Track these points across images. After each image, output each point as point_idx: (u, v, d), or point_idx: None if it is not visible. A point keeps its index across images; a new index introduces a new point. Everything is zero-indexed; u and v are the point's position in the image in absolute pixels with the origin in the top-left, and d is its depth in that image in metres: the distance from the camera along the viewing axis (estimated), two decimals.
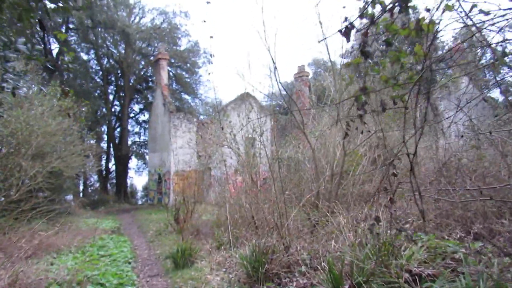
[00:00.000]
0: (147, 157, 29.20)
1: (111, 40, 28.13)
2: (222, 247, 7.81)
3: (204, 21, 10.31)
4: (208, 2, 8.24)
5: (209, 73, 33.29)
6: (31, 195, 8.73)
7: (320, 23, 8.89)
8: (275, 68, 8.16)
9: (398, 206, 7.51)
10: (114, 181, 32.93)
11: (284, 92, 10.29)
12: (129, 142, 32.76)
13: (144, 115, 34.20)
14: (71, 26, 24.27)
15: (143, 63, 30.68)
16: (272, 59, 8.07)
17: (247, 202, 9.01)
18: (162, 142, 21.88)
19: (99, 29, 24.10)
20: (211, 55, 28.25)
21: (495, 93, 27.13)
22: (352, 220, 6.22)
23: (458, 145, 8.99)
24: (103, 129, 31.59)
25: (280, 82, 8.37)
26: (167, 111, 21.06)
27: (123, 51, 29.28)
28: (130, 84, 29.64)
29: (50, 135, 9.88)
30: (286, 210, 6.99)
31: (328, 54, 9.78)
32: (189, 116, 21.51)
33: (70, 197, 25.65)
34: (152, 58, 26.50)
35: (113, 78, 32.88)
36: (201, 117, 28.20)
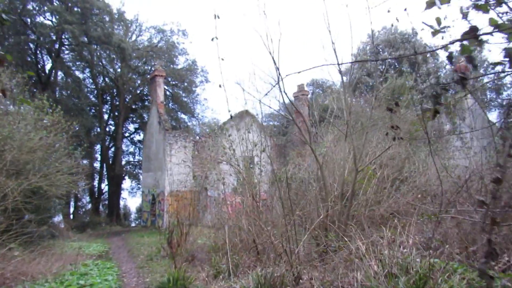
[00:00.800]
0: (141, 177, 28.23)
1: (107, 58, 27.61)
2: (221, 276, 6.89)
3: (213, 39, 9.63)
4: (215, 38, 7.45)
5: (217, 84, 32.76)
6: (7, 215, 7.82)
7: (333, 43, 8.24)
8: (279, 77, 7.43)
9: (417, 229, 6.70)
10: (106, 202, 31.84)
11: (287, 101, 9.58)
12: (123, 162, 31.86)
13: (139, 135, 33.43)
14: (65, 42, 23.70)
15: (139, 81, 30.09)
16: (276, 65, 7.36)
17: (247, 224, 8.14)
18: (156, 161, 21.03)
19: (94, 46, 23.54)
20: (220, 62, 27.62)
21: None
22: (372, 245, 5.37)
23: (480, 163, 8.24)
24: (96, 149, 30.73)
25: (285, 92, 7.63)
26: (163, 129, 20.29)
27: (119, 70, 28.77)
28: (126, 102, 28.96)
29: (32, 151, 9.04)
30: (296, 234, 6.13)
31: (340, 69, 9.11)
32: (185, 134, 20.74)
33: (58, 218, 24.60)
34: (148, 76, 25.93)
35: (108, 97, 32.25)
36: (197, 138, 27.51)
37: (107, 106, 32.67)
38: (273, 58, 7.14)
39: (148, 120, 23.79)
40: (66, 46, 24.72)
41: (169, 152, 19.63)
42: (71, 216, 27.37)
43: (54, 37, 22.43)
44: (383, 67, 34.25)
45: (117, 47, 20.47)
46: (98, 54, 27.48)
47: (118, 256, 11.94)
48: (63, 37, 22.11)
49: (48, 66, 25.86)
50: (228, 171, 10.96)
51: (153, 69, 25.15)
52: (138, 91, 31.40)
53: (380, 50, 32.93)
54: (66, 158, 11.74)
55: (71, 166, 11.59)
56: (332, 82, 35.21)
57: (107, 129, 32.09)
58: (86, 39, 20.83)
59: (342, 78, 8.43)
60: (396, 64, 30.67)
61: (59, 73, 25.34)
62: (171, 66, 29.49)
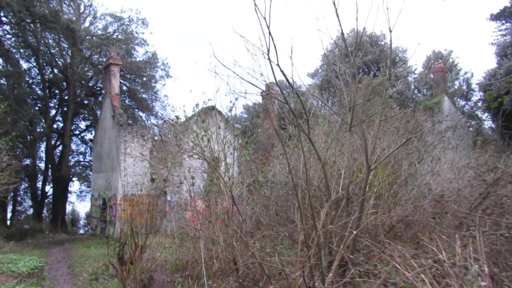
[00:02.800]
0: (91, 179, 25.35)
1: (54, 43, 24.65)
2: None
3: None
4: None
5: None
6: None
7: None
8: (273, 46, 5.60)
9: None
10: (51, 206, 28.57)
11: (280, 77, 7.82)
12: (72, 163, 28.80)
13: (91, 133, 30.39)
14: (3, 19, 20.66)
15: (91, 73, 27.31)
16: (268, 28, 5.54)
17: (225, 237, 6.24)
18: (109, 161, 18.56)
19: (38, 25, 20.66)
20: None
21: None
22: (422, 271, 3.65)
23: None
24: (40, 147, 27.52)
25: (278, 65, 5.82)
26: (117, 124, 17.90)
27: (69, 59, 25.90)
28: (76, 95, 26.06)
29: None
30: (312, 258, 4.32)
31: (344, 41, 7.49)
32: (142, 131, 18.44)
33: None
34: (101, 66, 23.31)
35: (56, 91, 29.13)
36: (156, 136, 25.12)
37: (55, 100, 29.53)
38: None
39: (100, 114, 21.20)
40: (6, 27, 21.64)
41: (123, 150, 17.27)
42: (8, 222, 24.09)
43: None
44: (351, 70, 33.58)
45: (66, 28, 17.90)
46: (45, 40, 24.50)
47: (54, 275, 9.60)
48: (1, 13, 19.17)
49: None
50: (195, 171, 8.98)
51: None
52: (91, 84, 28.56)
53: (350, 53, 32.00)
54: None
55: None
56: (300, 85, 34.04)
57: (55, 126, 28.94)
58: (28, 18, 18.05)
59: (353, 58, 6.75)
60: (364, 68, 29.89)
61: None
62: (129, 59, 26.98)
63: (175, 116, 7.45)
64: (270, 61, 5.68)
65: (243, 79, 6.16)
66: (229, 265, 5.95)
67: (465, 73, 28.34)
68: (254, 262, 5.49)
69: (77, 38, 19.54)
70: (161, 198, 17.33)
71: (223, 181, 6.30)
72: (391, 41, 6.01)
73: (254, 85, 6.19)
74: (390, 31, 5.48)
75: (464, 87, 27.18)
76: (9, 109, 19.68)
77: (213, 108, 16.34)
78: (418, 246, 5.64)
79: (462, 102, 28.50)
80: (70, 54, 25.11)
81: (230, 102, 7.06)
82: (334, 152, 7.08)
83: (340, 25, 5.94)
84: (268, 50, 5.62)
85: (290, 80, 6.27)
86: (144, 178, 17.38)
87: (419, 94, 29.25)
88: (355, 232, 4.65)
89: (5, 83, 21.70)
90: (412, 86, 29.11)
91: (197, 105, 6.89)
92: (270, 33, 5.46)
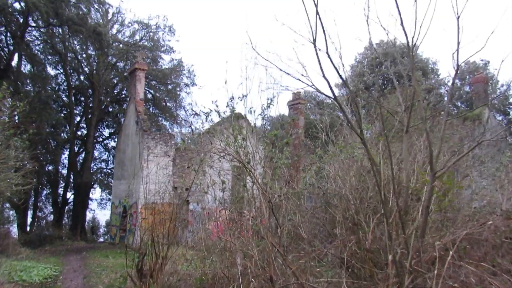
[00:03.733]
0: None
1: (80, 47, 24.57)
2: None
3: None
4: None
5: None
6: None
7: None
8: (322, 30, 4.81)
9: None
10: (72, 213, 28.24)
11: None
12: (94, 169, 28.54)
13: (114, 141, 30.16)
14: (32, 24, 20.65)
15: (116, 80, 27.16)
16: (316, 7, 4.75)
17: (259, 251, 5.37)
18: (131, 167, 18.02)
19: (66, 30, 20.53)
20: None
21: None
22: None
23: None
24: (63, 153, 27.33)
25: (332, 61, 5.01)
26: (140, 130, 17.39)
27: (95, 66, 25.83)
28: (100, 101, 25.86)
29: None
30: None
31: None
32: (166, 138, 17.87)
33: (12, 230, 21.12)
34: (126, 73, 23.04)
35: (82, 98, 29.11)
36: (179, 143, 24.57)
37: (80, 107, 29.50)
38: None
39: (124, 120, 20.81)
40: (34, 30, 21.63)
41: (146, 156, 16.69)
42: (28, 228, 23.80)
43: (21, 20, 19.44)
44: (381, 81, 32.37)
45: (93, 32, 17.66)
46: (73, 46, 24.48)
47: (68, 286, 8.89)
48: (29, 18, 19.11)
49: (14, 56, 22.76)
50: (225, 173, 8.16)
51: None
52: (116, 92, 28.42)
53: (378, 63, 31.05)
54: (3, 148, 8.75)
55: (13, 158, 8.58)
56: (324, 97, 33.14)
57: (79, 132, 28.83)
58: (56, 20, 17.88)
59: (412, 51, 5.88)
60: (395, 79, 28.77)
61: (27, 65, 22.38)
62: (154, 66, 26.73)
63: (208, 110, 6.63)
64: (316, 50, 4.90)
65: (285, 72, 5.38)
66: (266, 284, 5.07)
67: (502, 85, 26.90)
68: (297, 283, 4.60)
69: (103, 42, 19.31)
70: (183, 207, 16.62)
71: (259, 186, 5.46)
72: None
73: (300, 80, 5.39)
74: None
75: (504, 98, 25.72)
76: (33, 113, 19.53)
77: (241, 116, 15.62)
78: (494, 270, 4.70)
79: (499, 117, 27.00)
80: (96, 61, 25.00)
81: (268, 99, 6.25)
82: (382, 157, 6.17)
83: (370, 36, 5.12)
84: (315, 38, 4.85)
85: (341, 74, 5.40)
86: (167, 186, 16.72)
87: (453, 108, 27.93)
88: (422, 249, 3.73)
89: (31, 87, 21.62)
90: (445, 98, 27.80)
91: (231, 98, 6.11)
92: (318, 13, 4.68)
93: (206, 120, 6.61)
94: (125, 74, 24.85)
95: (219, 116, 6.36)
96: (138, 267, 8.15)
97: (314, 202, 7.95)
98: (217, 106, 6.30)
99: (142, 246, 8.36)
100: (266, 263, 5.27)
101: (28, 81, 21.58)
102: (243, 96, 6.19)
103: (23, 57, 21.59)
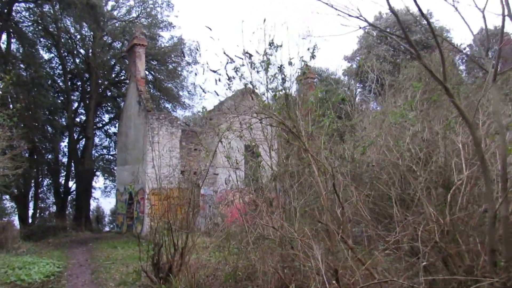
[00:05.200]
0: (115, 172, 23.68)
1: (75, 30, 23.15)
2: None
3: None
4: None
5: None
6: None
7: None
8: None
9: None
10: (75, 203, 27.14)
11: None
12: (95, 156, 27.33)
13: (115, 127, 28.81)
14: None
15: (114, 61, 25.72)
16: None
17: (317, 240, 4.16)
18: (135, 151, 16.79)
19: (57, 5, 19.01)
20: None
21: None
22: None
23: None
24: (63, 140, 26.07)
25: None
26: (143, 110, 16.09)
27: (91, 48, 24.33)
28: (98, 84, 24.48)
29: None
30: None
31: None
32: (171, 118, 16.59)
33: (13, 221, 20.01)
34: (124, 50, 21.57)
35: (79, 82, 27.67)
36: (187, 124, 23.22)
37: (77, 93, 28.08)
38: None
39: (124, 101, 19.49)
40: (22, 2, 20.04)
41: (151, 138, 15.44)
42: (29, 220, 22.72)
43: None
44: (390, 52, 30.80)
45: (86, 4, 16.19)
46: (66, 26, 23.00)
47: (74, 284, 7.75)
48: None
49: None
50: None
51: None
52: (114, 74, 26.99)
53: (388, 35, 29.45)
54: None
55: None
56: (333, 71, 31.65)
57: (77, 119, 27.50)
58: None
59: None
60: (406, 49, 27.40)
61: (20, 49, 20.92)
62: (154, 46, 25.20)
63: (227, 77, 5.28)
64: None
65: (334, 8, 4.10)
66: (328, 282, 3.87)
67: None
68: (379, 283, 3.40)
69: (98, 16, 17.82)
70: (193, 192, 15.46)
71: (311, 155, 4.18)
72: None
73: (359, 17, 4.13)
74: None
75: None
76: (28, 98, 18.22)
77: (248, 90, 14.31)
78: None
79: None
80: (92, 40, 23.53)
81: (308, 49, 4.92)
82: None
83: None
84: None
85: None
86: (174, 169, 15.51)
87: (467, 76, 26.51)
88: None
89: (24, 72, 20.19)
90: (462, 67, 26.36)
91: (271, 43, 4.78)
92: None
93: (230, 82, 5.28)
94: (123, 52, 23.46)
95: (253, 68, 5.00)
96: (154, 261, 7.00)
97: (350, 177, 6.71)
98: (250, 56, 4.92)
99: (156, 236, 7.20)
100: (325, 255, 4.06)
101: (20, 64, 20.12)
102: (276, 46, 4.86)
103: (13, 36, 20.12)
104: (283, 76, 4.36)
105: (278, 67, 4.22)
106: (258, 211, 5.09)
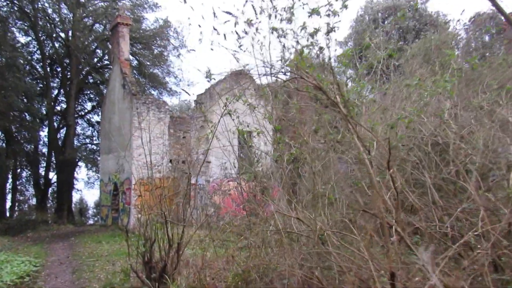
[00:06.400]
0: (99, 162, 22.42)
1: (53, 11, 21.70)
2: None
3: None
4: None
5: None
6: None
7: None
8: None
9: None
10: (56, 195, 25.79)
11: None
12: (78, 146, 25.99)
13: (98, 115, 27.42)
14: None
15: (95, 45, 24.29)
16: None
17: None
18: (120, 138, 15.66)
19: None
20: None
21: None
22: None
23: None
24: (42, 130, 24.64)
25: None
26: (129, 94, 14.95)
27: (70, 31, 22.85)
28: (79, 68, 23.09)
29: None
30: None
31: None
32: (159, 102, 15.49)
33: None
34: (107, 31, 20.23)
35: (58, 68, 26.16)
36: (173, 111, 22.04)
37: (57, 80, 26.57)
38: None
39: (107, 86, 18.25)
40: None
41: (137, 124, 14.34)
42: (7, 214, 21.41)
43: None
44: (382, 37, 30.20)
45: None
46: (43, 6, 21.53)
47: (52, 286, 6.73)
48: None
49: None
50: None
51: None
52: (95, 60, 25.55)
53: (381, 19, 28.67)
54: None
55: None
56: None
57: (58, 108, 26.04)
58: None
59: None
60: (400, 34, 26.72)
61: None
62: (137, 29, 23.84)
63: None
64: None
65: None
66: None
67: None
68: None
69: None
70: (183, 182, 14.49)
71: (356, 125, 3.22)
72: None
73: None
74: None
75: None
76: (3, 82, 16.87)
77: (241, 72, 13.30)
78: None
79: None
80: (72, 20, 22.08)
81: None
82: None
83: None
84: None
85: None
86: (163, 158, 14.48)
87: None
88: None
89: None
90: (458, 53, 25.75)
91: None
92: None
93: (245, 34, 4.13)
94: (105, 36, 22.10)
95: (274, 14, 3.93)
96: (145, 259, 6.05)
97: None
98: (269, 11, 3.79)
99: (146, 230, 6.23)
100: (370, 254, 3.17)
101: None
102: None
103: None
104: (314, 29, 3.37)
105: (309, 11, 3.25)
106: (277, 199, 4.15)
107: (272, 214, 5.37)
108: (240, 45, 3.82)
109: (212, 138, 5.96)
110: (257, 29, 3.62)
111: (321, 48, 3.43)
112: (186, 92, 22.94)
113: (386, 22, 27.38)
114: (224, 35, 3.79)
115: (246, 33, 3.72)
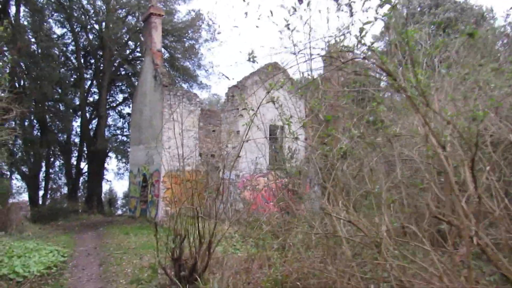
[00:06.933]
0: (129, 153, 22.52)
1: (87, 3, 21.86)
2: None
3: None
4: None
5: None
6: None
7: None
8: None
9: None
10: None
11: None
12: (109, 137, 26.23)
13: (129, 107, 27.58)
14: None
15: (128, 37, 24.37)
16: None
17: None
18: (150, 130, 15.53)
19: None
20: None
21: None
22: None
23: None
24: (75, 120, 24.96)
25: None
26: (160, 85, 14.76)
27: (104, 23, 23.01)
28: (112, 60, 23.22)
29: None
30: None
31: None
32: (190, 94, 15.24)
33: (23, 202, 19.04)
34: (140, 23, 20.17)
35: (92, 60, 26.47)
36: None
37: (90, 71, 26.90)
38: None
39: (139, 77, 18.18)
40: None
41: (168, 116, 14.14)
42: (40, 201, 21.80)
43: None
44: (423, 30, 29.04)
45: None
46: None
47: (79, 278, 6.52)
48: None
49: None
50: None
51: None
52: (128, 51, 25.66)
53: (419, 10, 27.47)
54: None
55: None
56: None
57: (90, 99, 26.36)
58: None
59: None
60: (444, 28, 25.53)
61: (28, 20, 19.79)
62: (169, 22, 23.72)
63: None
64: None
65: None
66: None
67: None
68: None
69: None
70: (212, 176, 14.20)
71: (426, 123, 2.70)
72: None
73: None
74: None
75: None
76: (38, 72, 17.08)
77: (275, 65, 12.78)
78: None
79: None
80: (106, 14, 22.20)
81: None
82: None
83: None
84: None
85: None
86: (193, 152, 14.21)
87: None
88: None
89: (34, 41, 18.97)
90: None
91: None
92: None
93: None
94: (137, 27, 22.10)
95: None
96: (174, 255, 5.72)
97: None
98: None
99: (176, 225, 5.89)
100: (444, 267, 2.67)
101: (29, 35, 18.85)
102: None
103: (24, 7, 18.92)
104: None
105: None
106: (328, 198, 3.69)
107: (312, 214, 4.91)
108: (288, 24, 3.38)
109: (249, 129, 5.56)
110: (308, 3, 3.17)
111: (387, 28, 2.94)
112: (226, 77, 22.70)
113: (425, 16, 26.23)
114: (271, 11, 3.36)
115: (295, 10, 3.29)
